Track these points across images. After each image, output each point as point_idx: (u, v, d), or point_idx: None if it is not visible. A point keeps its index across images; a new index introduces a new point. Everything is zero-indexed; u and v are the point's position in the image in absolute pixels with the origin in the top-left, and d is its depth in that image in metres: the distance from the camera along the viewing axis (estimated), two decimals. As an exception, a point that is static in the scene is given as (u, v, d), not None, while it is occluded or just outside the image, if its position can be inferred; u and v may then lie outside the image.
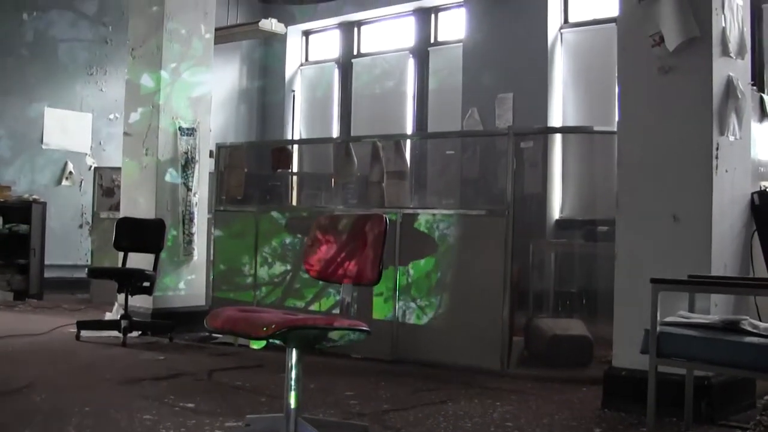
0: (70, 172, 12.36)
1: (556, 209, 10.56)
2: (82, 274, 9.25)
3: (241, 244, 8.14)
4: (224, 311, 3.87)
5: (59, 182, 12.29)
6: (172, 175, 8.49)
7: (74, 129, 12.43)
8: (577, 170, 10.19)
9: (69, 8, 12.38)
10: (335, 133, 13.89)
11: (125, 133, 8.82)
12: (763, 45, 9.93)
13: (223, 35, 10.67)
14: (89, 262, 11.22)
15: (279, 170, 8.86)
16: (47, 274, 11.17)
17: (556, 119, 11.08)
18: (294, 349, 3.81)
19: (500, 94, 11.32)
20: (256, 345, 3.48)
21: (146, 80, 8.59)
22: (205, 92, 8.82)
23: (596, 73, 10.70)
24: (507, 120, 11.08)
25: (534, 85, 11.11)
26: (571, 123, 11.03)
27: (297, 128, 14.35)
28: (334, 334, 3.74)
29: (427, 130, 12.59)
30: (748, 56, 5.53)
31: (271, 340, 3.63)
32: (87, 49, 12.57)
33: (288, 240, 7.78)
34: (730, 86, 5.20)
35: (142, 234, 8.09)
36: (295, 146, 12.04)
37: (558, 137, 10.41)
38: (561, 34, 11.32)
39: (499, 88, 11.34)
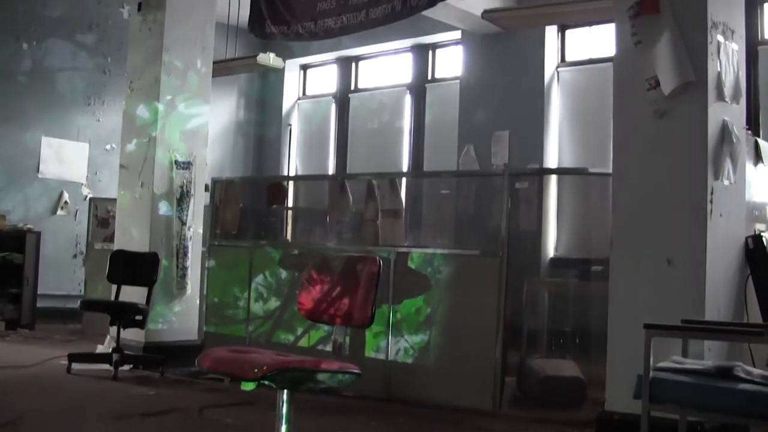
0: (66, 202, 12.34)
1: (551, 247, 10.57)
2: (75, 304, 9.21)
3: (235, 277, 8.13)
4: (215, 351, 3.86)
5: (54, 212, 12.25)
6: (166, 209, 8.48)
7: (70, 159, 12.42)
8: (572, 209, 10.21)
9: (68, 38, 12.40)
10: (331, 167, 13.90)
11: (121, 166, 8.83)
12: (759, 87, 9.97)
13: (221, 68, 10.68)
14: (82, 293, 11.18)
15: (274, 206, 8.87)
16: (40, 304, 11.11)
17: (552, 157, 11.10)
18: (285, 390, 3.79)
19: (496, 132, 11.34)
20: (246, 386, 3.45)
21: (143, 111, 8.61)
22: (201, 125, 8.82)
23: (592, 111, 10.73)
24: (503, 157, 11.08)
25: (530, 123, 11.13)
26: (567, 161, 11.05)
27: (293, 162, 14.35)
28: (324, 376, 3.72)
29: (423, 166, 12.60)
30: (743, 100, 5.56)
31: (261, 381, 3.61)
32: (85, 80, 12.58)
33: (281, 275, 7.77)
34: (725, 131, 5.22)
35: (135, 267, 8.06)
36: (291, 182, 12.05)
37: (553, 177, 10.43)
38: (558, 72, 11.36)
39: (496, 125, 11.36)
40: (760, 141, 6.43)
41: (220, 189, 8.51)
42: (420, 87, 12.97)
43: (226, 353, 3.80)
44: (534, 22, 10.02)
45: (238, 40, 11.91)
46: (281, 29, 8.03)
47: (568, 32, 11.39)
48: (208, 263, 8.51)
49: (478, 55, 11.87)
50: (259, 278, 7.93)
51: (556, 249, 10.57)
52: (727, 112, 5.29)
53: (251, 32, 8.40)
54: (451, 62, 12.65)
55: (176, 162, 8.52)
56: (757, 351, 5.39)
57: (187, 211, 8.54)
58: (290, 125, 14.34)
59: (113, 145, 12.22)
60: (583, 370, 6.89)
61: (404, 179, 10.21)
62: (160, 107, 8.51)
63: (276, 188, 8.47)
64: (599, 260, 7.93)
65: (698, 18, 5.18)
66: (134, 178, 8.58)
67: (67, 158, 12.38)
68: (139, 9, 8.68)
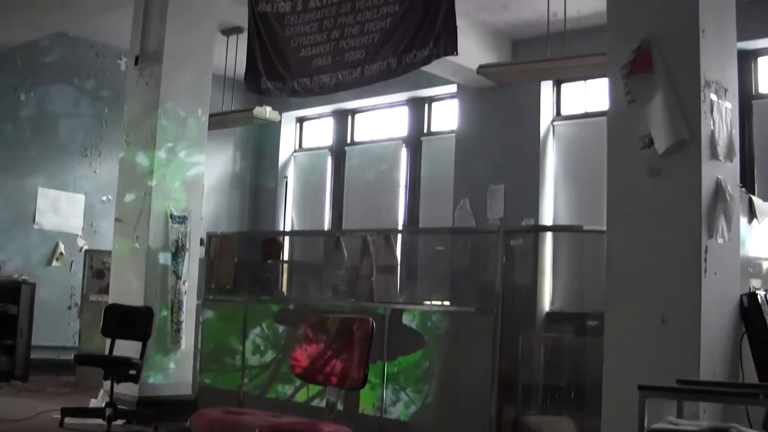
0: (61, 253, 12.32)
1: (546, 302, 10.53)
2: (70, 356, 9.18)
3: (230, 331, 8.12)
4: (209, 413, 3.85)
5: (50, 263, 12.23)
6: (162, 263, 8.47)
7: (67, 209, 12.42)
8: (567, 265, 10.17)
9: (65, 90, 12.45)
10: (327, 219, 13.90)
11: (117, 219, 8.84)
12: (753, 141, 10.02)
13: (218, 121, 10.72)
14: (77, 344, 11.14)
15: (269, 261, 8.87)
16: (33, 355, 11.05)
17: (547, 210, 11.11)
18: (278, 451, 3.78)
19: (492, 186, 11.36)
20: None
21: (139, 162, 8.62)
22: (198, 175, 8.83)
23: (588, 165, 10.75)
24: (498, 211, 11.11)
25: (526, 177, 11.16)
26: (562, 214, 11.07)
27: (289, 214, 14.35)
28: (317, 438, 3.71)
29: (418, 219, 12.60)
30: (736, 158, 5.57)
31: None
32: (82, 131, 12.61)
33: (276, 329, 7.76)
34: (719, 189, 5.23)
35: (130, 321, 8.05)
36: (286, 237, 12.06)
37: (548, 233, 10.43)
38: (553, 126, 11.41)
39: (491, 178, 11.39)
40: (754, 198, 6.44)
41: (215, 243, 8.52)
42: (416, 140, 13.00)
43: (220, 415, 3.79)
44: (529, 78, 10.07)
45: (234, 92, 11.97)
46: (277, 85, 8.08)
47: (563, 86, 11.46)
48: (203, 317, 8.49)
49: (473, 108, 11.92)
50: (254, 332, 7.92)
51: (551, 303, 10.53)
52: (720, 171, 5.30)
53: (247, 88, 8.44)
54: (446, 115, 12.70)
55: (172, 216, 8.53)
56: (753, 411, 5.36)
57: (182, 265, 8.54)
58: (286, 177, 14.37)
59: (109, 197, 12.23)
60: (579, 425, 6.85)
61: (399, 235, 10.22)
62: (156, 159, 8.53)
63: (271, 243, 8.50)
64: (595, 315, 7.91)
65: (691, 77, 5.21)
66: (130, 232, 8.58)
67: (63, 209, 12.38)
68: (136, 63, 8.72)
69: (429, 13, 6.82)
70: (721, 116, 5.35)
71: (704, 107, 5.20)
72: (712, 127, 5.23)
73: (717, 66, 5.39)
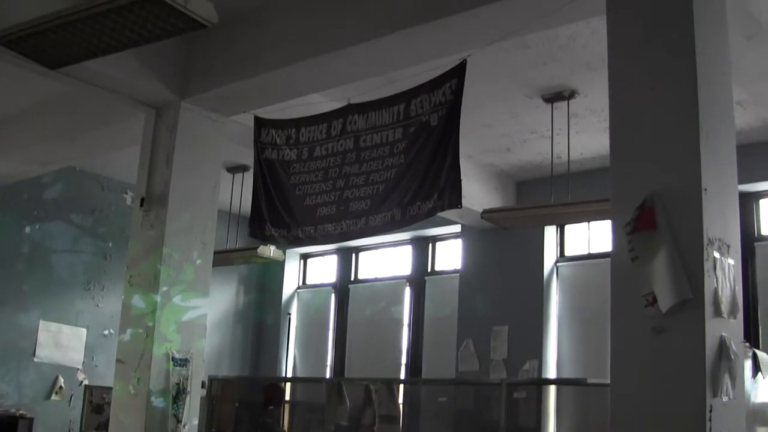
0: (61, 387, 12.23)
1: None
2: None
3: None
4: None
5: (48, 396, 12.13)
6: (162, 405, 8.37)
7: (67, 343, 12.37)
8: (571, 418, 10.11)
9: (69, 222, 12.53)
10: (329, 357, 13.84)
11: (118, 360, 8.76)
12: (757, 283, 10.02)
13: (222, 258, 10.74)
14: (74, 483, 11.01)
15: (270, 407, 8.80)
16: (29, 494, 10.91)
17: (551, 353, 11.09)
18: None
19: (495, 327, 11.35)
20: None
21: (143, 300, 8.58)
22: (199, 319, 8.79)
23: (592, 306, 10.76)
24: (502, 353, 11.08)
25: (529, 318, 11.16)
26: (566, 357, 11.03)
27: (291, 352, 14.29)
28: None
29: (422, 359, 12.57)
30: (740, 315, 5.55)
31: None
32: (85, 264, 12.65)
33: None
34: (723, 347, 5.19)
35: (128, 465, 7.94)
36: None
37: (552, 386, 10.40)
38: (557, 267, 11.44)
39: (495, 319, 11.39)
40: (759, 353, 6.42)
41: (216, 387, 8.46)
42: (419, 279, 13.03)
43: None
44: (533, 222, 10.14)
45: (239, 228, 12.03)
46: (281, 232, 8.11)
47: (567, 227, 11.53)
48: (202, 462, 8.39)
49: (477, 249, 11.98)
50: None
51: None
52: (724, 328, 5.27)
53: (251, 234, 8.47)
54: (450, 255, 12.76)
55: (173, 358, 8.46)
56: None
57: (183, 408, 8.44)
58: (289, 314, 14.36)
59: (111, 331, 12.20)
60: None
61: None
62: (158, 302, 8.50)
63: (273, 389, 8.44)
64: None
65: (694, 235, 5.21)
66: (130, 374, 8.49)
67: (64, 342, 12.33)
68: (141, 204, 8.75)
69: (434, 166, 6.89)
70: (724, 273, 5.34)
71: (707, 265, 5.19)
72: (715, 285, 5.21)
73: (720, 223, 5.41)
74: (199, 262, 8.84)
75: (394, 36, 6.93)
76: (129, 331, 8.66)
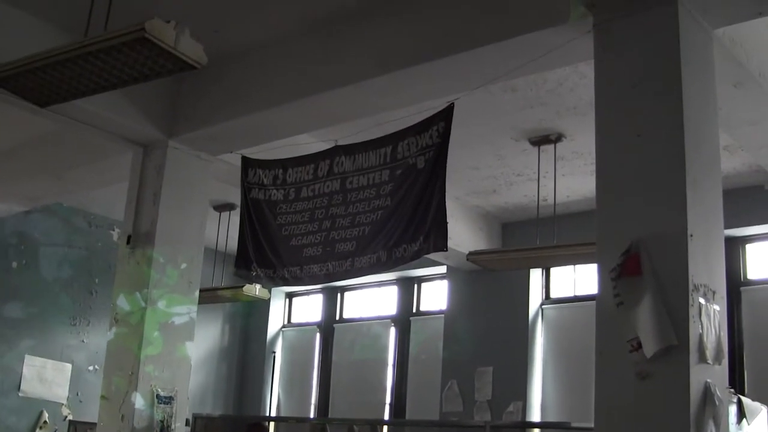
0: (45, 422, 12.15)
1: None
2: None
3: None
4: None
5: (33, 431, 12.04)
6: (145, 444, 8.33)
7: (52, 378, 12.30)
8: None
9: (56, 258, 12.49)
10: (314, 396, 13.79)
11: (102, 396, 8.71)
12: (743, 328, 10.04)
13: (207, 296, 10.71)
14: None
15: (254, 446, 8.76)
16: None
17: (536, 395, 11.07)
18: None
19: (480, 368, 11.34)
20: None
21: (129, 339, 8.51)
22: (185, 357, 8.75)
23: (577, 349, 10.76)
24: (486, 394, 11.06)
25: (514, 359, 11.15)
26: (551, 398, 11.02)
27: (276, 390, 14.24)
28: None
29: (406, 399, 12.53)
30: (725, 360, 5.55)
31: None
32: (72, 299, 12.60)
33: None
34: (707, 393, 5.19)
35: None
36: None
37: (536, 430, 10.41)
38: (542, 309, 11.44)
39: (480, 360, 11.38)
40: (744, 399, 6.42)
41: (201, 425, 8.41)
42: (404, 319, 13.03)
43: None
44: (518, 265, 10.17)
45: (225, 266, 12.01)
46: (267, 272, 8.10)
47: (553, 270, 11.54)
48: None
49: (462, 290, 11.98)
50: None
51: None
52: (709, 374, 5.27)
53: (237, 274, 8.46)
54: (436, 296, 12.76)
55: (158, 396, 8.42)
56: None
57: (167, 446, 8.40)
58: (274, 353, 14.33)
59: (96, 366, 12.15)
60: None
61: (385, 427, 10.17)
62: (144, 340, 8.45)
63: (257, 428, 8.40)
64: None
65: (680, 281, 5.22)
66: (115, 411, 8.44)
67: (49, 377, 12.27)
68: (128, 242, 8.73)
69: (420, 208, 6.89)
70: (709, 319, 5.34)
71: (692, 311, 5.19)
72: (700, 331, 5.22)
73: (705, 269, 5.42)
74: (187, 305, 8.80)
75: (382, 78, 6.98)
76: (114, 369, 8.61)
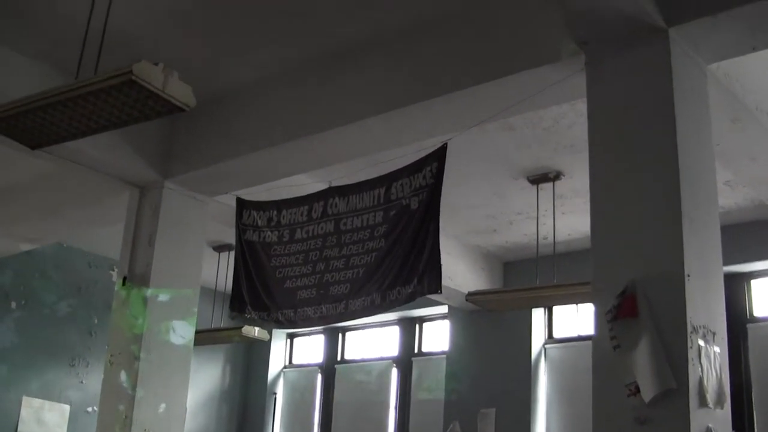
0: (43, 464, 12.06)
1: None
2: None
3: None
4: None
5: (30, 473, 11.96)
6: (141, 491, 8.21)
7: (50, 420, 12.20)
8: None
9: (55, 300, 12.42)
10: (315, 439, 13.73)
11: (98, 433, 8.62)
12: (750, 365, 9.92)
13: (206, 338, 10.62)
14: None
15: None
16: None
17: (539, 436, 10.97)
18: None
19: (482, 409, 11.22)
20: None
21: (123, 380, 8.43)
22: (181, 403, 8.65)
23: (581, 389, 10.57)
24: (489, 436, 10.96)
25: (517, 401, 11.04)
26: (555, 439, 10.93)
27: (277, 433, 14.18)
28: None
29: (408, 440, 12.45)
30: (727, 404, 5.44)
31: None
32: (70, 340, 12.52)
33: None
34: (708, 439, 5.10)
35: None
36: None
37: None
38: (545, 349, 11.34)
39: (482, 401, 11.27)
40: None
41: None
42: (406, 360, 12.94)
43: None
44: (518, 305, 10.06)
45: (224, 307, 11.92)
46: (261, 315, 8.05)
47: (555, 309, 11.46)
48: None
49: (464, 330, 11.90)
50: None
51: None
52: (710, 419, 5.16)
53: (231, 316, 8.43)
54: (438, 336, 12.68)
55: (152, 440, 8.32)
56: None
57: (163, 492, 8.28)
58: (275, 394, 14.24)
59: (95, 408, 12.03)
60: None
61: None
62: (138, 384, 8.35)
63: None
64: None
65: (678, 322, 5.13)
66: (110, 457, 8.35)
67: (46, 419, 12.16)
68: (123, 283, 8.67)
69: (414, 250, 6.83)
70: (709, 362, 5.24)
71: (692, 354, 5.10)
72: (700, 374, 5.12)
73: (704, 310, 5.33)
74: (182, 345, 8.71)
75: (377, 118, 6.95)
76: (108, 411, 8.52)
